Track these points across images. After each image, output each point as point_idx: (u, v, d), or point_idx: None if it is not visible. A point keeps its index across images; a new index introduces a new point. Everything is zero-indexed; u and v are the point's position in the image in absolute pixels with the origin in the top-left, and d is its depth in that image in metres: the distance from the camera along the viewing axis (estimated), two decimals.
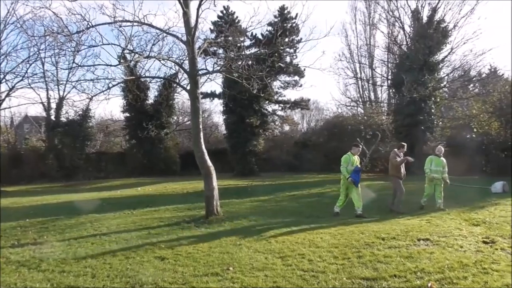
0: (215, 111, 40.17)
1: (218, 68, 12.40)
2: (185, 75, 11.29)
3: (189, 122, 34.94)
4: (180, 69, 11.43)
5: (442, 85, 24.53)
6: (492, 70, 28.18)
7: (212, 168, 10.73)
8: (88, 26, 9.48)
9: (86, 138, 30.68)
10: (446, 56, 23.91)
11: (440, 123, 23.61)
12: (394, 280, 5.06)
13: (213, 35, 27.30)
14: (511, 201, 11.10)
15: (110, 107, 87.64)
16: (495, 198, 12.17)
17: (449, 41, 23.10)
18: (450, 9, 22.85)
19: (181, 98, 34.38)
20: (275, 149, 30.93)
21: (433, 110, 22.44)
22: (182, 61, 11.08)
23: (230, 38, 16.33)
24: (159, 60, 10.86)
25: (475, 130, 21.01)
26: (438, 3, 22.84)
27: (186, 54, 10.80)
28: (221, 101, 31.36)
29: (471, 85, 27.17)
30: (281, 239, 7.56)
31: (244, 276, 5.44)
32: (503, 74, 26.49)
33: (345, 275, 5.33)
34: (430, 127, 22.10)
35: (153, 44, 10.50)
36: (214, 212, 10.32)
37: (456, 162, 20.10)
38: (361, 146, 10.60)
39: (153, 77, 15.27)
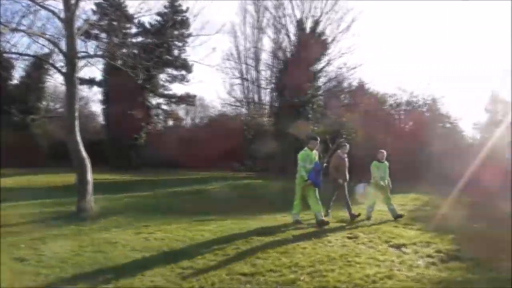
0: (93, 99, 36.99)
1: (101, 52, 11.48)
2: (61, 57, 10.20)
3: (62, 109, 31.80)
4: (56, 49, 10.28)
5: (319, 93, 26.54)
6: (361, 83, 31.46)
7: (87, 160, 9.93)
8: None
9: None
10: (324, 67, 25.96)
11: (316, 128, 25.45)
12: (271, 275, 5.21)
13: (95, 17, 25.28)
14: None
15: None
16: (358, 198, 13.37)
17: (328, 53, 25.15)
18: (330, 24, 24.89)
19: (54, 81, 31.02)
20: (158, 144, 29.92)
21: (310, 116, 24.09)
22: (58, 40, 9.98)
23: (115, 23, 15.27)
24: (30, 36, 9.62)
25: (344, 137, 23.13)
26: (320, 16, 24.68)
27: (63, 33, 9.76)
28: (101, 89, 29.25)
29: (343, 95, 29.89)
30: (160, 236, 7.31)
31: (119, 276, 5.08)
32: (369, 88, 29.77)
33: (224, 271, 5.33)
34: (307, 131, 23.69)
35: (23, 16, 9.26)
36: (87, 208, 9.54)
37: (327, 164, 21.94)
38: (319, 139, 9.17)
39: (21, 54, 13.32)
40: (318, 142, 9.02)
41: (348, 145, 10.11)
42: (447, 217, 9.74)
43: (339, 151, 10.08)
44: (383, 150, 10.01)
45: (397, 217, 9.34)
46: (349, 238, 7.38)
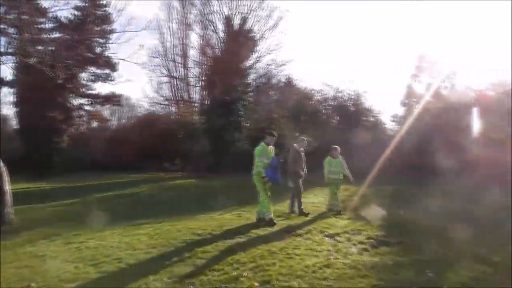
0: (3, 101, 33.51)
1: (12, 50, 10.52)
2: None
3: None
4: None
5: (249, 89, 26.81)
6: (288, 80, 32.31)
7: (3, 169, 9.09)
8: None
9: None
10: (253, 64, 26.31)
11: (247, 124, 25.67)
12: (213, 274, 5.18)
13: (2, 10, 23.04)
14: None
15: None
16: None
17: (256, 50, 25.52)
18: (258, 21, 25.26)
19: None
20: (83, 147, 28.26)
21: (241, 112, 24.23)
22: None
23: (26, 17, 14.03)
24: None
25: (274, 132, 23.56)
26: (247, 14, 24.94)
27: None
28: (12, 90, 26.89)
29: (272, 91, 30.50)
30: (93, 244, 6.94)
31: None
32: (297, 84, 30.66)
33: (165, 275, 5.20)
34: (238, 127, 23.83)
35: None
36: (6, 221, 8.76)
37: None
38: (276, 134, 8.72)
39: None
40: (275, 138, 8.61)
41: (305, 139, 9.97)
42: (375, 205, 10.40)
43: (295, 145, 9.81)
44: (336, 146, 10.04)
45: (337, 211, 9.60)
46: (287, 232, 7.55)
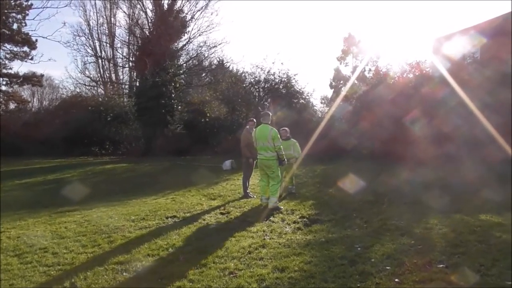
0: None
1: None
2: None
3: None
4: None
5: (181, 71, 26.21)
6: (220, 62, 31.97)
7: None
8: None
9: None
10: (184, 45, 25.68)
11: (179, 107, 25.18)
12: (148, 259, 5.08)
13: None
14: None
15: None
16: (226, 175, 13.84)
17: (187, 31, 24.87)
18: (188, 1, 24.55)
19: None
20: None
21: (173, 95, 23.69)
22: None
23: None
24: None
25: (208, 114, 23.41)
26: None
27: None
28: None
29: (204, 74, 30.06)
30: (14, 234, 6.52)
31: None
32: (229, 66, 30.48)
33: (97, 263, 5.00)
34: (170, 110, 23.34)
35: None
36: None
37: (192, 143, 22.04)
38: (271, 114, 8.25)
39: None
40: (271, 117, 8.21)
41: (254, 120, 9.51)
42: (307, 185, 10.77)
43: (247, 126, 9.36)
44: (285, 128, 9.64)
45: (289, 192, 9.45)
46: (222, 214, 7.62)
